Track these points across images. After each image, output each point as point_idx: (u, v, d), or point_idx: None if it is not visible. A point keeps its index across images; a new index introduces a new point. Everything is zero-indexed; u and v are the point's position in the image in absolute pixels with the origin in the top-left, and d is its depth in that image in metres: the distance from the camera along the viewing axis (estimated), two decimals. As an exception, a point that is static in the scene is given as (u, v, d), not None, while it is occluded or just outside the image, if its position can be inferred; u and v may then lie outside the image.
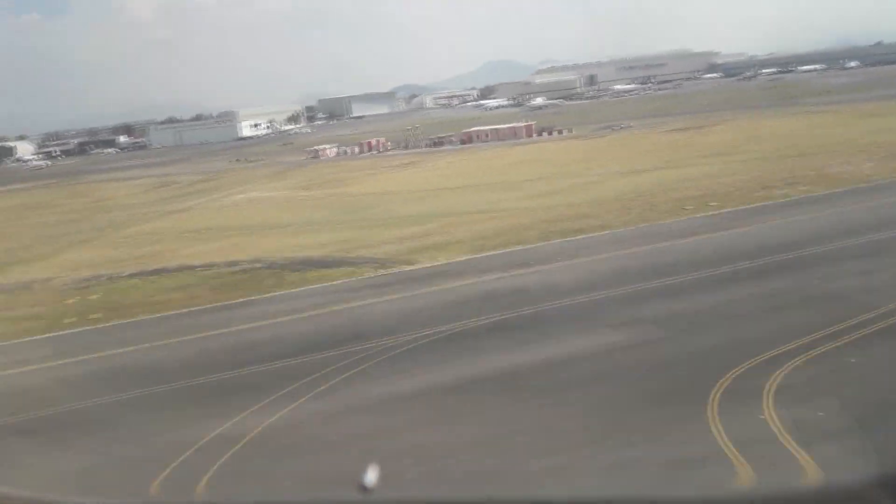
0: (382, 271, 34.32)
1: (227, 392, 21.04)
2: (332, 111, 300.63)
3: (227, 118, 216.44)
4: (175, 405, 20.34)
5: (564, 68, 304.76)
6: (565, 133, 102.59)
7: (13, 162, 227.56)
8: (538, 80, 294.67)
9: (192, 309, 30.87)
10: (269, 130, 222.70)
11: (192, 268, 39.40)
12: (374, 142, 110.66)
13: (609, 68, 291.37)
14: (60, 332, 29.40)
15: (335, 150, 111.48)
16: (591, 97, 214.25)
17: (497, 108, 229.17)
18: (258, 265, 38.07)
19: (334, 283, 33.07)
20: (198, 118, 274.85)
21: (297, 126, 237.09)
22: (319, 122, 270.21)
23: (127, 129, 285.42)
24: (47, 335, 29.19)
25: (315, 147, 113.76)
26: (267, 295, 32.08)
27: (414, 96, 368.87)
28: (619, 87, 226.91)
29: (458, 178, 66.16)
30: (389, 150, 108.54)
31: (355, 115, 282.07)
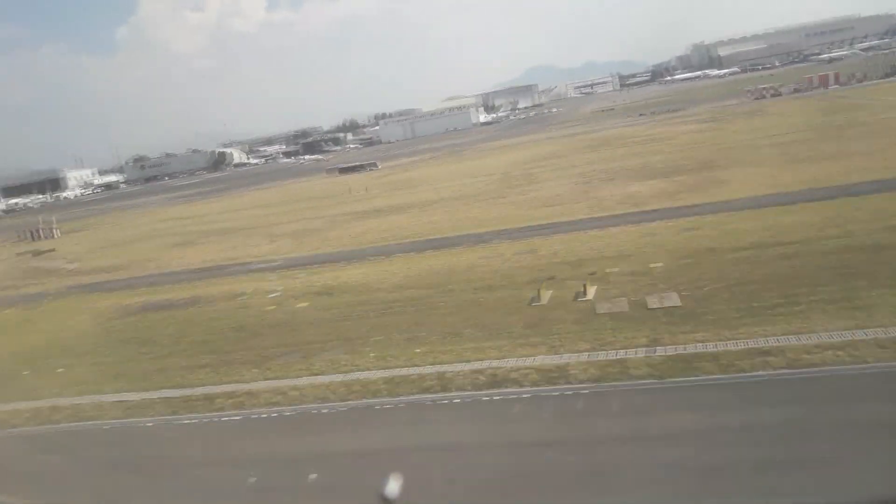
0: None
1: None
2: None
3: (459, 109, 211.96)
4: None
5: (743, 40, 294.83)
6: None
7: (233, 167, 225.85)
8: (723, 52, 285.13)
9: None
10: (493, 117, 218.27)
11: None
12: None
13: (793, 36, 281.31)
14: None
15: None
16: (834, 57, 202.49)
17: (725, 75, 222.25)
18: None
19: None
20: (381, 116, 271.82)
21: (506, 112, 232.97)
22: (503, 112, 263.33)
23: (303, 135, 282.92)
24: None
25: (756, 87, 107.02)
26: None
27: (551, 88, 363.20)
28: (862, 45, 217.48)
29: None
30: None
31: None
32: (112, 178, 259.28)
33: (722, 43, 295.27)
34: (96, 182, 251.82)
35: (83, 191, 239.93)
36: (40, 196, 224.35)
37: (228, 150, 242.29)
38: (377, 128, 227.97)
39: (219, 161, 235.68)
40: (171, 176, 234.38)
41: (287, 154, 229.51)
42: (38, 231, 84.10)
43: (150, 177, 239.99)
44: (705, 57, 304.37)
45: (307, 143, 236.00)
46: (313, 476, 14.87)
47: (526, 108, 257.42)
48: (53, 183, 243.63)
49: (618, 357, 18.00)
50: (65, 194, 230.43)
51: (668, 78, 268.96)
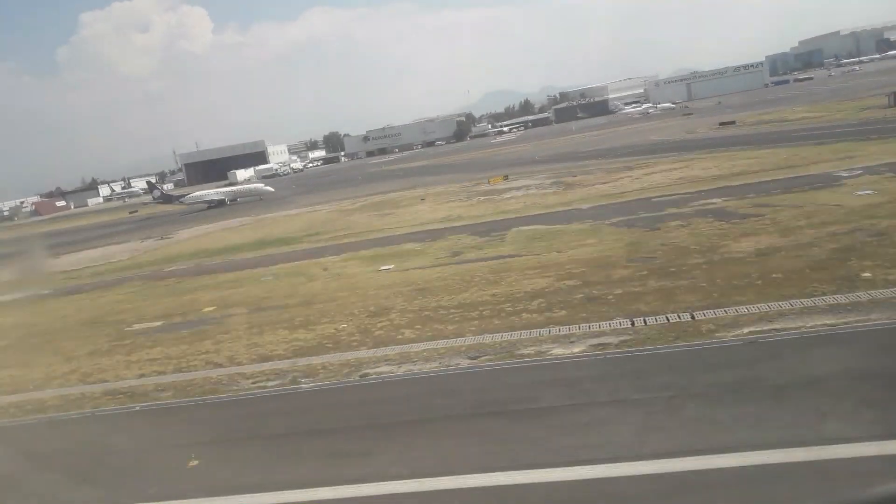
0: None
1: None
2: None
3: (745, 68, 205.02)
4: None
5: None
6: None
7: (469, 138, 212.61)
8: (893, 36, 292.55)
9: None
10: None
11: None
12: None
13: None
14: None
15: None
16: None
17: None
18: None
19: None
20: (582, 96, 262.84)
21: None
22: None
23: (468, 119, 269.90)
24: None
25: None
26: None
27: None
28: None
29: None
30: None
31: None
32: (318, 153, 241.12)
33: (887, 28, 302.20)
34: (311, 156, 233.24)
35: (305, 163, 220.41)
36: (274, 166, 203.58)
37: (464, 119, 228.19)
38: (639, 91, 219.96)
39: (460, 131, 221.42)
40: (402, 148, 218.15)
41: (537, 123, 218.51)
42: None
43: (372, 150, 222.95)
44: (853, 44, 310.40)
45: (561, 108, 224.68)
46: None
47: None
48: (259, 156, 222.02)
49: None
50: (293, 166, 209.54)
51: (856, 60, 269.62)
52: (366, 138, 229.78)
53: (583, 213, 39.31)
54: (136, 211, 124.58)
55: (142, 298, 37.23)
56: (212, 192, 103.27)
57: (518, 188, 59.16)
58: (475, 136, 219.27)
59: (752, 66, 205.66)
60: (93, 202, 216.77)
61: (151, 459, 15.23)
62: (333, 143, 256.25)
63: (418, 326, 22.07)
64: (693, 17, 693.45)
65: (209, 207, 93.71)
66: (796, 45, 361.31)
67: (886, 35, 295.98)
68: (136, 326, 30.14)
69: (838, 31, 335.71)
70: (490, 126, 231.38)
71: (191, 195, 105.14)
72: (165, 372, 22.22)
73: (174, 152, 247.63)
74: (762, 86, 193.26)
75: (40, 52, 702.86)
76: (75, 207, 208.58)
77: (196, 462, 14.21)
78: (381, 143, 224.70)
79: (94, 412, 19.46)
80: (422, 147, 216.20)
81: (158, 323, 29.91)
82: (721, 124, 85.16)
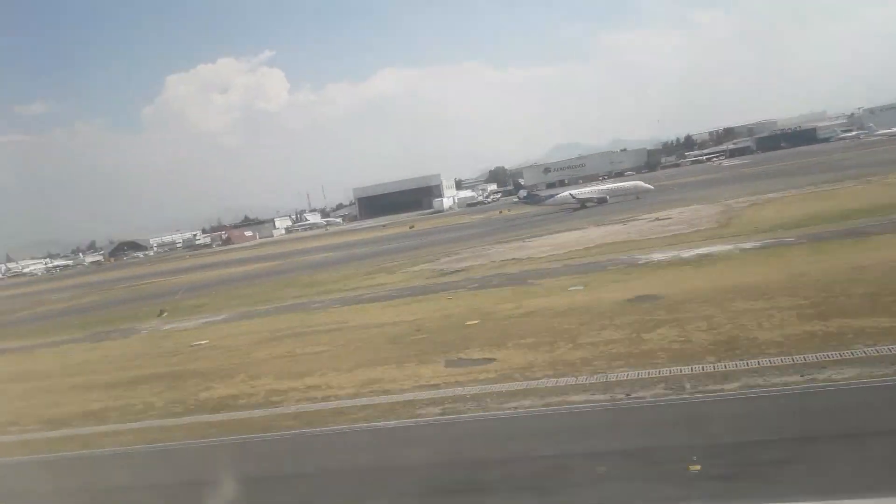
0: None
1: None
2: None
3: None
4: None
5: None
6: None
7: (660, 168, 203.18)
8: None
9: None
10: None
11: None
12: None
13: None
14: None
15: None
16: None
17: None
18: None
19: None
20: (750, 132, 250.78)
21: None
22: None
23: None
24: None
25: None
26: None
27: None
28: None
29: None
30: None
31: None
32: (464, 193, 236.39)
33: None
34: (489, 189, 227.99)
35: (485, 195, 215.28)
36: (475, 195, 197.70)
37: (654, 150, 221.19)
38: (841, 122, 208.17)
39: (652, 161, 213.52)
40: (585, 179, 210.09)
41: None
42: None
43: (552, 182, 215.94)
44: None
45: (763, 137, 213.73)
46: None
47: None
48: (426, 191, 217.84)
49: None
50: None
51: None
52: (546, 170, 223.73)
53: None
54: (413, 226, 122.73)
55: None
56: (586, 190, 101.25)
57: None
58: (666, 167, 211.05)
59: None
60: (276, 233, 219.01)
61: None
62: (499, 176, 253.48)
63: None
64: (762, 69, 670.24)
65: (582, 207, 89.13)
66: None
67: None
68: None
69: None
70: (675, 157, 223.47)
71: (561, 195, 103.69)
72: None
73: (352, 189, 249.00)
74: None
75: (128, 111, 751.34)
76: (260, 238, 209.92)
77: None
78: (563, 175, 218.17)
79: None
80: (608, 177, 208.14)
81: None
82: None
